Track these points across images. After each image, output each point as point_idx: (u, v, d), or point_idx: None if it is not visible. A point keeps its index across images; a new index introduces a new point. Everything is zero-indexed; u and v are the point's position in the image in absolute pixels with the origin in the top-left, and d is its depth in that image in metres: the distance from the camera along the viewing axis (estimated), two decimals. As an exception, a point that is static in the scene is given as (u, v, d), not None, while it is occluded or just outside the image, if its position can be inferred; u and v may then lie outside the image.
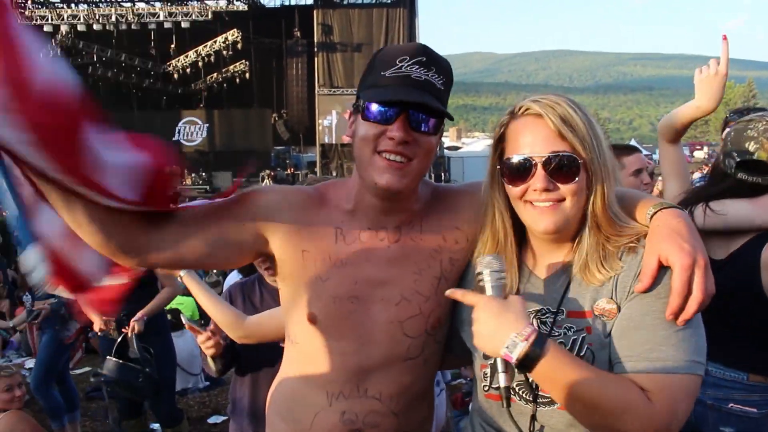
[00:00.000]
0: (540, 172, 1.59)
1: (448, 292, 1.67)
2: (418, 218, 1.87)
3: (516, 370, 1.55)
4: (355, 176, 1.83)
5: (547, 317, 1.66)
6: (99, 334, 5.24)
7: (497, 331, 1.50)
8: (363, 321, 1.82)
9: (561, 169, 1.58)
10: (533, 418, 1.63)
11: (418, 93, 1.66)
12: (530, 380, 1.61)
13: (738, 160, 2.64)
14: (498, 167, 1.71)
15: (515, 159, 1.63)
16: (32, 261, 1.42)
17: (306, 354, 1.90)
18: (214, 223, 1.80)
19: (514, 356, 1.46)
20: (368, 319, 1.82)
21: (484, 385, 1.75)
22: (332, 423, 1.84)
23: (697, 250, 1.48)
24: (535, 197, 1.61)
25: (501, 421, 1.72)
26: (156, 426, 6.02)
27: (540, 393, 1.62)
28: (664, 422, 1.45)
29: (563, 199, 1.60)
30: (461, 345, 1.88)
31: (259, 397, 3.04)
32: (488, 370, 1.73)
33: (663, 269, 1.50)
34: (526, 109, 1.64)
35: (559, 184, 1.59)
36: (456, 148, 46.81)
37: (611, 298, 1.57)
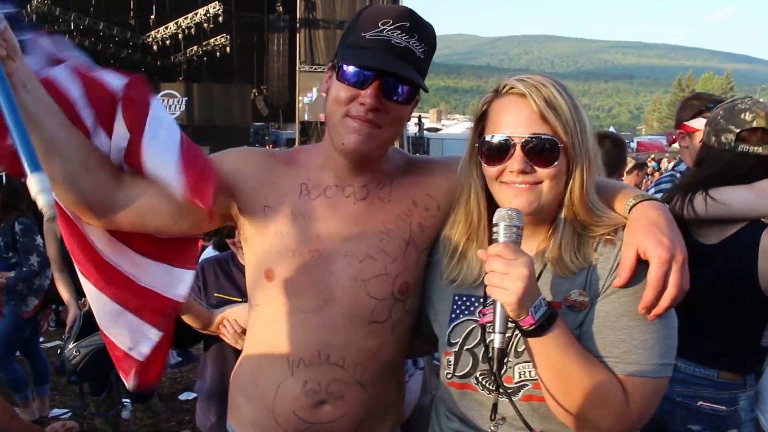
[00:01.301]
0: (518, 153, 1.55)
1: (485, 251, 1.49)
2: (388, 180, 1.84)
3: (510, 344, 1.56)
4: (326, 136, 1.81)
5: None
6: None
7: (530, 289, 1.41)
8: (324, 276, 1.76)
9: (540, 151, 1.54)
10: (495, 407, 1.59)
11: (396, 60, 1.63)
12: (494, 369, 1.53)
13: (737, 131, 2.60)
14: (476, 145, 1.67)
15: (494, 138, 1.59)
16: (37, 186, 1.31)
17: (266, 317, 1.85)
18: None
19: (538, 317, 1.42)
20: (330, 275, 1.77)
21: (447, 373, 1.72)
22: (295, 394, 1.78)
23: (675, 245, 1.46)
24: (512, 179, 1.57)
25: (464, 408, 1.69)
26: (127, 401, 5.96)
27: (501, 382, 1.57)
28: (635, 423, 1.48)
29: (540, 182, 1.56)
30: (428, 326, 1.85)
31: (226, 375, 3.00)
32: (452, 357, 1.69)
33: (641, 263, 1.47)
34: (511, 88, 1.61)
35: (536, 167, 1.55)
36: (436, 130, 46.84)
37: (584, 290, 1.55)
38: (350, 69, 1.65)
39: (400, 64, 1.63)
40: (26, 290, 5.73)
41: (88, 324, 4.82)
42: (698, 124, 3.55)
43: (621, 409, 1.44)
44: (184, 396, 6.72)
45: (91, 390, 5.70)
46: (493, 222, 1.50)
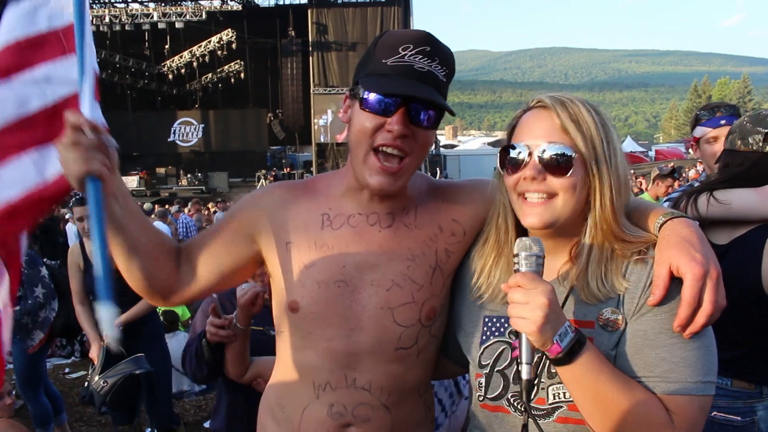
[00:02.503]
0: (533, 161, 1.52)
1: (508, 283, 1.46)
2: (413, 206, 1.82)
3: (541, 365, 1.52)
4: (349, 164, 1.78)
5: None
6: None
7: (557, 319, 1.38)
8: (350, 305, 1.74)
9: (555, 161, 1.51)
10: (525, 428, 1.53)
11: (420, 85, 1.60)
12: (523, 398, 1.50)
13: (766, 131, 2.57)
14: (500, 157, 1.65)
15: (513, 148, 1.57)
16: (107, 317, 1.52)
17: (291, 344, 1.85)
18: (220, 249, 1.87)
19: (564, 344, 1.38)
20: (356, 304, 1.75)
21: (479, 395, 1.69)
22: (321, 417, 1.77)
23: (709, 261, 1.43)
24: (526, 186, 1.54)
25: (501, 427, 1.65)
26: (153, 430, 5.94)
27: (533, 405, 1.55)
28: None
29: (555, 195, 1.52)
30: (456, 348, 1.82)
31: (237, 402, 2.98)
32: (483, 380, 1.66)
33: (674, 280, 1.43)
34: (538, 102, 1.60)
35: (550, 176, 1.51)
36: (452, 146, 46.97)
37: (616, 308, 1.50)
38: (374, 97, 1.62)
39: (425, 89, 1.61)
40: (31, 323, 5.55)
41: (111, 353, 4.85)
42: (698, 132, 3.54)
43: (665, 430, 1.40)
44: (209, 423, 6.70)
45: (116, 420, 5.71)
46: (514, 252, 1.48)
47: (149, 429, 5.96)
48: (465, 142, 56.18)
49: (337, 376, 1.76)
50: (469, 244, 1.81)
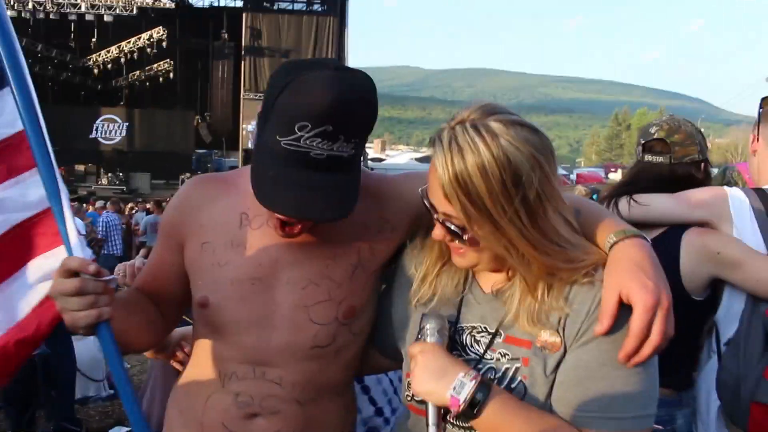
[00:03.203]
0: (438, 226, 1.47)
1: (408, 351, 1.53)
2: None
3: (453, 420, 1.47)
4: None
5: (482, 336, 1.51)
6: None
7: (444, 372, 1.37)
8: (264, 303, 1.69)
9: (451, 232, 1.43)
10: None
11: (319, 184, 1.48)
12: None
13: (643, 142, 2.82)
14: None
15: (425, 199, 1.48)
16: None
17: (200, 337, 1.80)
18: (169, 272, 1.84)
19: (462, 397, 1.34)
20: (271, 302, 1.69)
21: (407, 395, 1.63)
22: (225, 405, 1.70)
23: (661, 289, 1.37)
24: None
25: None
26: (51, 437, 5.72)
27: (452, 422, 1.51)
28: None
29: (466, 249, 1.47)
30: (390, 342, 1.77)
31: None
32: (411, 380, 1.58)
33: (622, 307, 1.35)
34: (431, 144, 1.44)
35: (455, 239, 1.45)
36: (380, 160, 47.15)
37: (556, 331, 1.40)
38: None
39: (324, 194, 1.49)
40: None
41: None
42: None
43: None
44: (115, 431, 6.48)
45: (9, 419, 5.47)
46: (420, 325, 1.51)
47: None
48: (393, 156, 56.49)
49: (244, 369, 1.71)
50: (398, 241, 1.77)
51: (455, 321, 1.57)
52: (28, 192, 1.69)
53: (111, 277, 1.51)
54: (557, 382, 1.41)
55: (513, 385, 1.43)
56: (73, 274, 1.44)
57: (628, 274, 1.37)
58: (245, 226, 1.73)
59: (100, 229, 14.62)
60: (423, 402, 1.52)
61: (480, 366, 1.48)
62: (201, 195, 1.81)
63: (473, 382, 1.35)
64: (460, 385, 1.35)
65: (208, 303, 1.71)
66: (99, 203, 17.18)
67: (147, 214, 16.89)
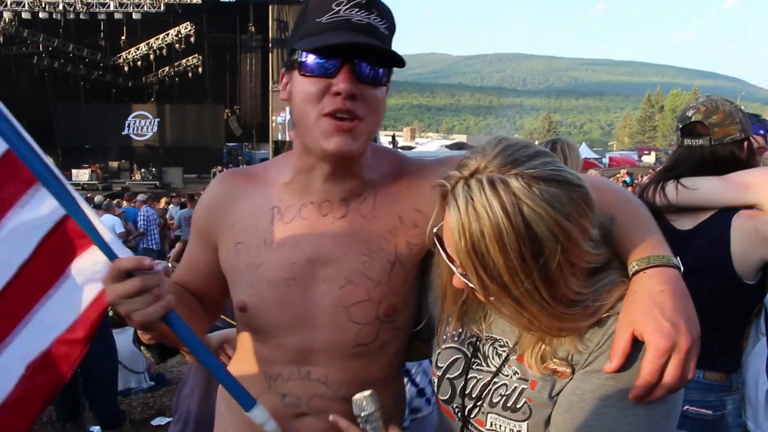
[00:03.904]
0: (456, 278, 1.36)
1: (332, 418, 1.58)
2: (371, 191, 1.68)
3: (487, 390, 1.46)
4: (296, 145, 1.66)
5: (503, 350, 1.47)
6: None
7: None
8: (302, 304, 1.65)
9: (472, 290, 1.34)
10: None
11: (361, 36, 1.47)
12: (463, 404, 1.49)
13: (681, 126, 2.80)
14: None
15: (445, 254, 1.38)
16: (262, 418, 1.59)
17: (244, 338, 1.80)
18: (207, 271, 1.85)
19: None
20: (309, 303, 1.65)
21: (434, 390, 1.64)
22: (274, 406, 1.67)
23: (679, 331, 1.24)
24: None
25: (448, 427, 1.62)
26: (96, 429, 5.81)
27: (472, 422, 1.50)
28: None
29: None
30: (429, 333, 1.72)
31: (210, 401, 2.92)
32: (436, 380, 1.61)
33: (636, 344, 1.26)
34: (448, 203, 1.32)
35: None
36: (410, 148, 47.08)
37: (566, 360, 1.34)
38: (313, 59, 1.49)
39: (367, 39, 1.46)
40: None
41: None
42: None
43: None
44: (157, 421, 6.55)
45: (57, 416, 5.57)
46: (354, 412, 1.53)
47: (94, 427, 5.84)
48: (423, 144, 56.46)
49: (289, 370, 1.69)
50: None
51: (482, 330, 1.52)
52: (39, 207, 1.65)
53: (161, 264, 1.51)
54: (556, 403, 1.36)
55: (519, 405, 1.41)
56: (127, 274, 1.40)
57: (643, 311, 1.26)
58: (277, 221, 1.68)
59: (141, 223, 14.90)
60: (447, 402, 1.56)
61: (495, 380, 1.46)
62: (230, 192, 1.78)
63: None
64: None
65: (246, 307, 1.69)
66: (141, 197, 17.41)
67: (181, 208, 17.06)
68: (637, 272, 1.33)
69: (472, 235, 1.22)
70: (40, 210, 1.64)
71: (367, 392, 1.52)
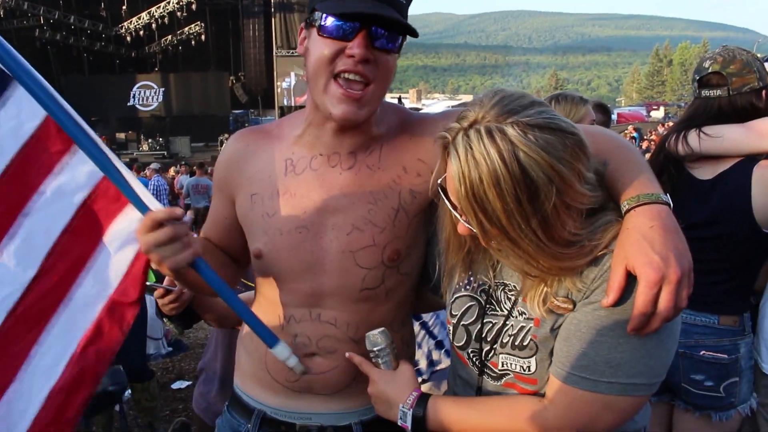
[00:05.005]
0: (461, 225, 1.43)
1: (347, 355, 1.73)
2: (378, 144, 1.77)
3: (496, 331, 1.55)
4: (309, 99, 1.73)
5: (512, 294, 1.54)
6: None
7: (390, 405, 1.63)
8: (313, 250, 1.75)
9: (472, 232, 1.41)
10: (479, 390, 1.62)
11: (380, 6, 1.53)
12: (481, 348, 1.57)
13: (698, 77, 2.79)
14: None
15: (446, 200, 1.44)
16: (285, 354, 1.73)
17: (260, 283, 1.91)
18: (230, 224, 1.93)
19: (408, 424, 1.57)
20: (319, 249, 1.75)
21: (449, 338, 1.73)
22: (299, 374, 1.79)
23: (669, 262, 1.30)
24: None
25: (458, 374, 1.73)
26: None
27: (488, 364, 1.58)
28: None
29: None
30: (439, 284, 1.79)
31: (231, 361, 3.00)
32: (451, 328, 1.69)
33: (630, 279, 1.33)
34: (449, 154, 1.38)
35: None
36: (417, 110, 46.71)
37: (567, 297, 1.42)
38: (332, 21, 1.55)
39: (386, 9, 1.52)
40: None
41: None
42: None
43: (541, 419, 1.44)
44: (177, 385, 6.69)
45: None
46: (367, 347, 1.68)
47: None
48: (429, 106, 56.11)
49: (301, 312, 1.79)
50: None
51: (492, 278, 1.59)
52: (77, 170, 1.75)
53: (187, 217, 1.59)
54: (556, 335, 1.45)
55: (525, 343, 1.49)
56: (159, 224, 1.50)
57: (634, 246, 1.33)
58: (290, 172, 1.77)
59: (152, 192, 15.00)
60: (462, 348, 1.65)
61: (507, 322, 1.53)
62: (245, 148, 1.87)
63: (410, 411, 1.57)
64: (403, 415, 1.58)
65: (261, 254, 1.78)
66: (154, 165, 17.51)
67: (191, 177, 17.14)
68: (628, 211, 1.39)
69: (471, 182, 1.29)
70: (79, 173, 1.74)
71: (380, 329, 1.67)
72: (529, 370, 1.50)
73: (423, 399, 1.58)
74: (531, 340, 1.48)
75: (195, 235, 1.77)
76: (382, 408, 1.66)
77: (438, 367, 2.93)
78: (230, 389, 2.05)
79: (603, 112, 4.69)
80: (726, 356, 2.62)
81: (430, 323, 2.91)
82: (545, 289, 1.44)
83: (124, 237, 1.75)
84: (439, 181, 1.47)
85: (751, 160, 2.57)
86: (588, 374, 1.38)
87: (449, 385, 1.86)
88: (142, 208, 1.57)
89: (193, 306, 2.61)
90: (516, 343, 1.50)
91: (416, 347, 2.09)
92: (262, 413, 1.89)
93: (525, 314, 1.50)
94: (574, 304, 1.41)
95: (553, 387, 1.44)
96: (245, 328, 2.01)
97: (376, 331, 1.66)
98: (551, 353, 1.46)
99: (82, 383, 1.75)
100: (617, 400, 1.38)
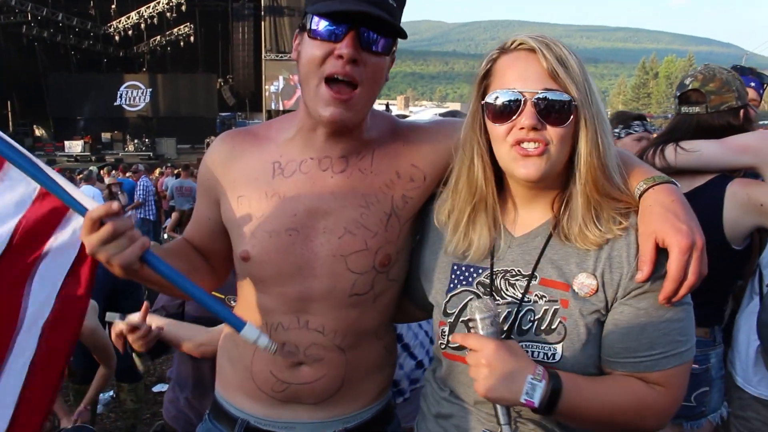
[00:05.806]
0: (530, 109, 1.42)
1: (452, 338, 1.56)
2: (369, 149, 1.76)
3: (509, 324, 1.51)
4: (302, 103, 1.72)
5: (516, 279, 1.54)
6: None
7: (512, 377, 1.36)
8: (302, 253, 1.72)
9: (552, 109, 1.43)
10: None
11: (367, 5, 1.53)
12: None
13: (678, 93, 2.85)
14: (481, 104, 1.53)
15: (503, 95, 1.46)
16: (254, 335, 1.56)
17: (246, 289, 1.86)
18: (212, 227, 1.90)
19: (537, 400, 1.35)
20: (309, 252, 1.72)
21: (441, 343, 1.66)
22: (273, 355, 1.73)
23: (694, 231, 1.40)
24: (522, 136, 1.44)
25: (454, 381, 1.66)
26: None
27: None
28: (675, 409, 1.51)
29: (548, 144, 1.44)
30: (421, 293, 1.78)
31: (203, 365, 2.98)
32: (446, 328, 1.63)
33: (660, 252, 1.40)
34: (520, 44, 1.48)
35: (548, 125, 1.43)
36: (404, 117, 46.75)
37: (592, 273, 1.46)
38: (323, 24, 1.56)
39: (374, 9, 1.52)
40: None
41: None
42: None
43: (659, 407, 1.46)
44: (158, 388, 6.63)
45: (74, 379, 5.62)
46: (468, 317, 1.49)
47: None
48: (416, 113, 56.11)
49: (289, 319, 1.76)
50: (430, 189, 1.77)
51: (490, 266, 1.59)
52: (14, 186, 1.67)
53: (129, 212, 1.53)
54: (611, 333, 1.47)
55: (554, 326, 1.47)
56: (100, 223, 1.44)
57: (660, 219, 1.41)
58: (278, 175, 1.75)
59: (140, 193, 14.86)
60: (459, 349, 1.58)
61: (520, 308, 1.51)
62: (231, 150, 1.84)
63: (543, 382, 1.36)
64: (532, 389, 1.35)
65: (249, 256, 1.75)
66: (141, 167, 17.43)
67: (176, 179, 17.03)
68: (645, 191, 1.48)
69: (555, 50, 1.44)
70: (16, 189, 1.67)
71: (487, 298, 1.52)
72: (553, 358, 1.46)
73: (555, 373, 1.40)
74: (560, 322, 1.47)
75: (170, 235, 1.73)
76: (498, 385, 1.37)
77: (417, 386, 2.92)
78: (200, 396, 2.03)
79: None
80: (697, 366, 2.65)
81: (411, 344, 2.91)
82: (588, 215, 1.48)
83: (67, 240, 1.69)
84: (482, 102, 1.54)
85: (725, 177, 2.60)
86: (676, 349, 1.45)
87: (428, 404, 1.80)
88: (81, 210, 1.49)
89: (163, 340, 2.63)
90: (542, 327, 1.48)
91: (396, 351, 2.08)
92: (246, 422, 1.87)
93: (546, 297, 1.49)
94: (602, 285, 1.46)
95: (652, 377, 1.46)
96: (226, 333, 1.99)
97: (481, 300, 1.48)
98: (580, 342, 1.46)
99: (51, 364, 1.71)
100: (689, 364, 1.48)
